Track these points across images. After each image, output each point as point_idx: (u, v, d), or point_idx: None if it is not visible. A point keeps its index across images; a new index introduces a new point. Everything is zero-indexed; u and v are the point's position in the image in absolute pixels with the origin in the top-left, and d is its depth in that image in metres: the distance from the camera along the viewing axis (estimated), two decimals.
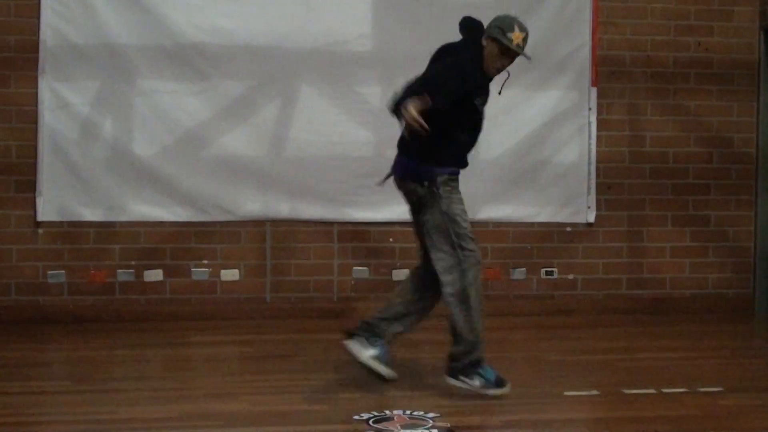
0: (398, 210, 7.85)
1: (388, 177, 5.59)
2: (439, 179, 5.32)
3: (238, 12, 7.62)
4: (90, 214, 7.55)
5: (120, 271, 7.62)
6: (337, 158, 7.77)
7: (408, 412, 5.04)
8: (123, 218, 7.59)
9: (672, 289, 8.29)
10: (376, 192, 7.76)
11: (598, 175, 8.14)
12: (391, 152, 7.82)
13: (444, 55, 5.43)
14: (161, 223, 7.66)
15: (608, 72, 8.14)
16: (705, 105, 8.28)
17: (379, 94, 7.76)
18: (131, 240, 7.63)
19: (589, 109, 8.09)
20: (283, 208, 7.74)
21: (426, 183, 5.34)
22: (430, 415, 4.99)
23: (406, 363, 6.28)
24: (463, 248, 5.30)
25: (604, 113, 8.15)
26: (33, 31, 7.43)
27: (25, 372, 6.01)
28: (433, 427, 4.81)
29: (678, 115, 8.26)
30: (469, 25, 5.52)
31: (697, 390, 5.64)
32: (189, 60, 7.56)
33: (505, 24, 5.26)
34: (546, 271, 8.13)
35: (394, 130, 7.80)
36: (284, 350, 6.68)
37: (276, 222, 7.77)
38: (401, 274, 7.86)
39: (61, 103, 7.46)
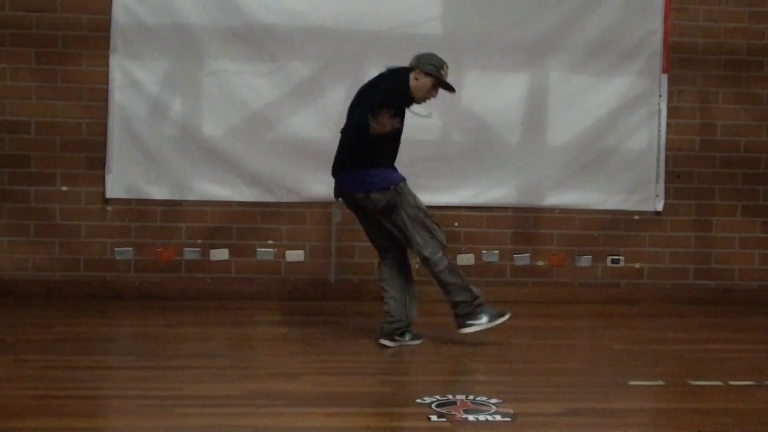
0: (464, 194, 7.90)
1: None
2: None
3: None
4: (158, 192, 7.64)
5: (186, 249, 7.70)
6: (403, 141, 7.71)
7: (471, 397, 5.02)
8: (190, 197, 7.67)
9: (740, 281, 8.16)
10: (442, 176, 7.83)
11: (667, 164, 8.02)
12: (458, 136, 7.93)
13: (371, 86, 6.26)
14: (228, 203, 7.71)
15: (680, 59, 8.01)
16: None
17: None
18: (198, 219, 7.70)
19: (660, 96, 7.97)
20: None
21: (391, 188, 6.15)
22: (493, 400, 4.97)
23: (469, 349, 6.27)
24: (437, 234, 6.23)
25: (674, 101, 8.03)
26: (105, 11, 7.51)
27: (92, 347, 6.10)
28: (495, 413, 4.79)
29: (750, 104, 8.11)
30: (393, 69, 6.30)
31: (765, 383, 5.54)
32: (258, 41, 7.59)
33: (435, 61, 6.16)
34: (612, 259, 8.05)
35: (461, 114, 7.88)
36: (347, 332, 6.69)
37: (342, 203, 7.77)
38: (466, 259, 7.85)
39: (132, 81, 7.54)
